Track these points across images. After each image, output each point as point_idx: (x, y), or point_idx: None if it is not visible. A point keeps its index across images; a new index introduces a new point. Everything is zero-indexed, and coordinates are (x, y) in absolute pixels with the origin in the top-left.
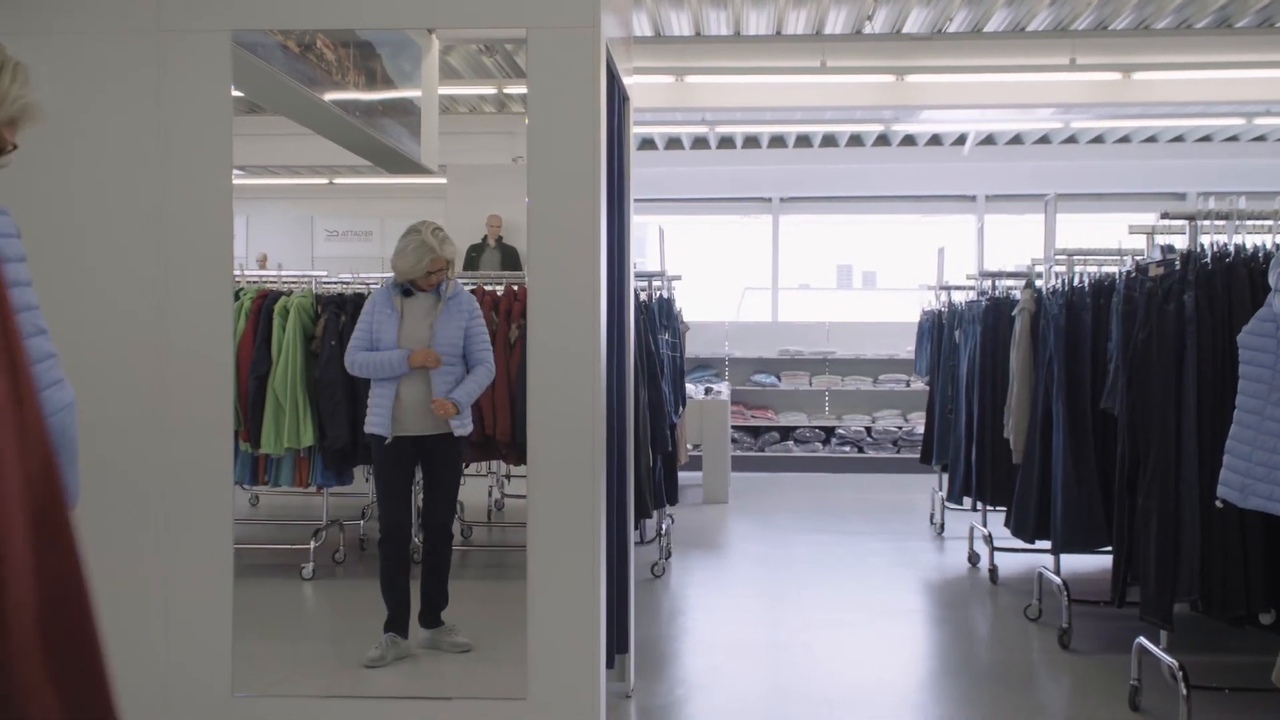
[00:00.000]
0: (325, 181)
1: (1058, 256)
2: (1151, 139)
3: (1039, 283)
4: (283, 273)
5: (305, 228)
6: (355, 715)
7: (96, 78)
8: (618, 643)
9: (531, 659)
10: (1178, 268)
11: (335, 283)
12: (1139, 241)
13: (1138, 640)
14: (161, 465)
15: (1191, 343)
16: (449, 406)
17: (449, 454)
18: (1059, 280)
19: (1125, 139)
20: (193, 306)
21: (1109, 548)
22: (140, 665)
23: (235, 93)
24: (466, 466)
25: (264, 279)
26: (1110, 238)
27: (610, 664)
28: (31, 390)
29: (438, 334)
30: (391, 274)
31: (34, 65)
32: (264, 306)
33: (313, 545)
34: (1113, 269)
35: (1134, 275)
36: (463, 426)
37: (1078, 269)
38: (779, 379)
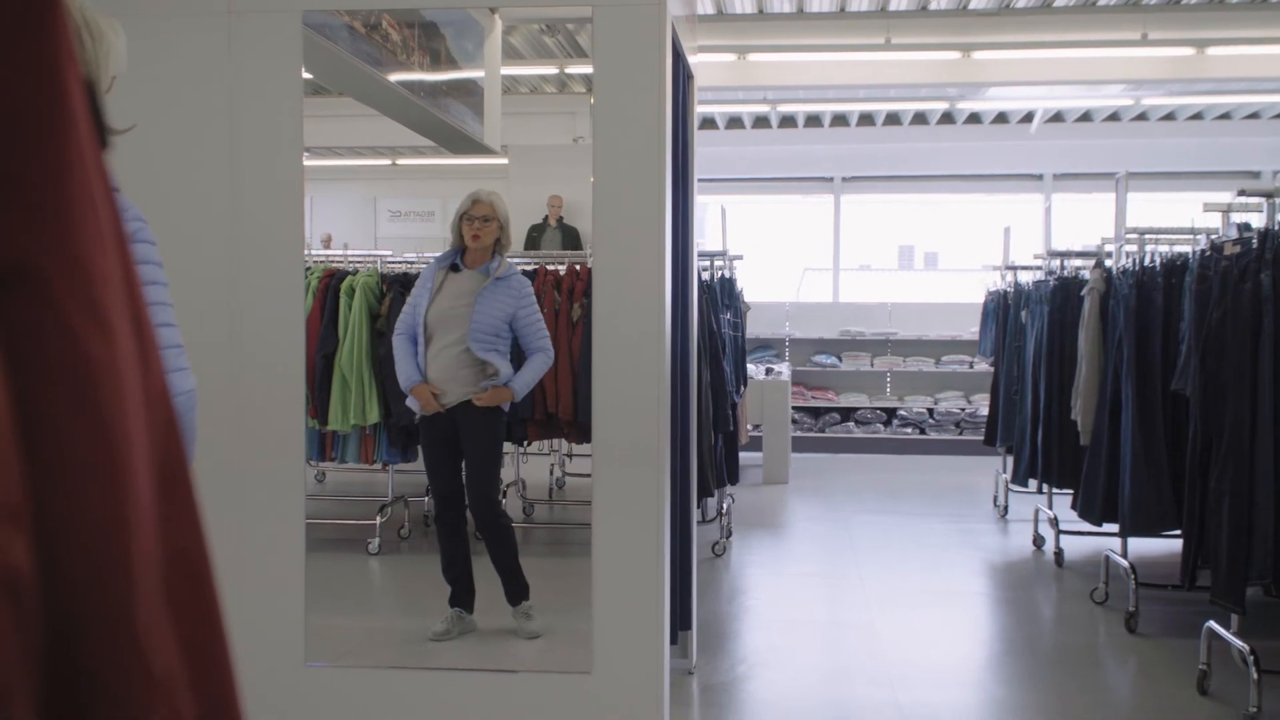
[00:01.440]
0: (388, 162)
1: (1129, 235)
2: (1225, 116)
3: (1108, 262)
4: (349, 252)
5: (369, 208)
6: (422, 686)
7: (169, 59)
8: (680, 620)
9: (596, 635)
10: (1254, 246)
11: (399, 262)
12: (1213, 220)
13: (1207, 624)
14: (235, 441)
15: (1269, 322)
16: (504, 394)
17: (477, 426)
18: (1129, 260)
19: (1198, 116)
20: (265, 286)
21: (1178, 532)
22: None
23: (304, 74)
24: (529, 444)
25: (330, 259)
26: (1181, 217)
27: (673, 641)
28: (156, 352)
29: (477, 311)
30: (447, 249)
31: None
32: (330, 286)
33: (379, 521)
34: (1185, 248)
35: (1209, 254)
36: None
37: (1149, 248)
38: (840, 360)
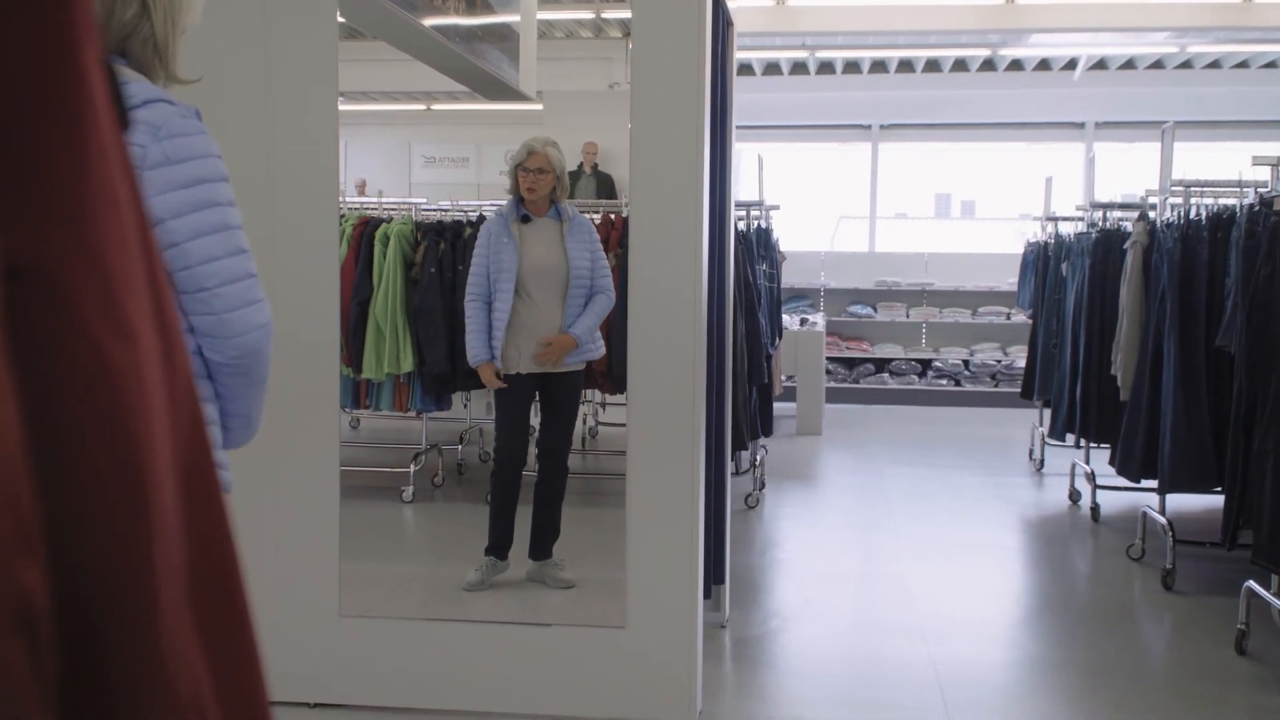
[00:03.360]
0: (423, 108)
1: (1174, 188)
2: (1271, 64)
3: (1152, 215)
4: (383, 200)
5: (403, 154)
6: (457, 638)
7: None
8: (714, 573)
9: (630, 589)
10: None
11: (434, 210)
12: (1262, 173)
13: (1247, 584)
14: (270, 389)
15: None
16: (568, 342)
17: (568, 386)
18: (1174, 213)
19: (1243, 64)
20: (300, 233)
21: (1218, 489)
22: (251, 588)
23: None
24: None
25: (364, 206)
26: (1225, 166)
27: (706, 595)
28: (181, 346)
29: (573, 258)
30: (493, 203)
31: None
32: (365, 233)
33: (412, 469)
34: (1231, 201)
35: (1257, 208)
36: (595, 351)
37: (1194, 201)
38: (875, 310)
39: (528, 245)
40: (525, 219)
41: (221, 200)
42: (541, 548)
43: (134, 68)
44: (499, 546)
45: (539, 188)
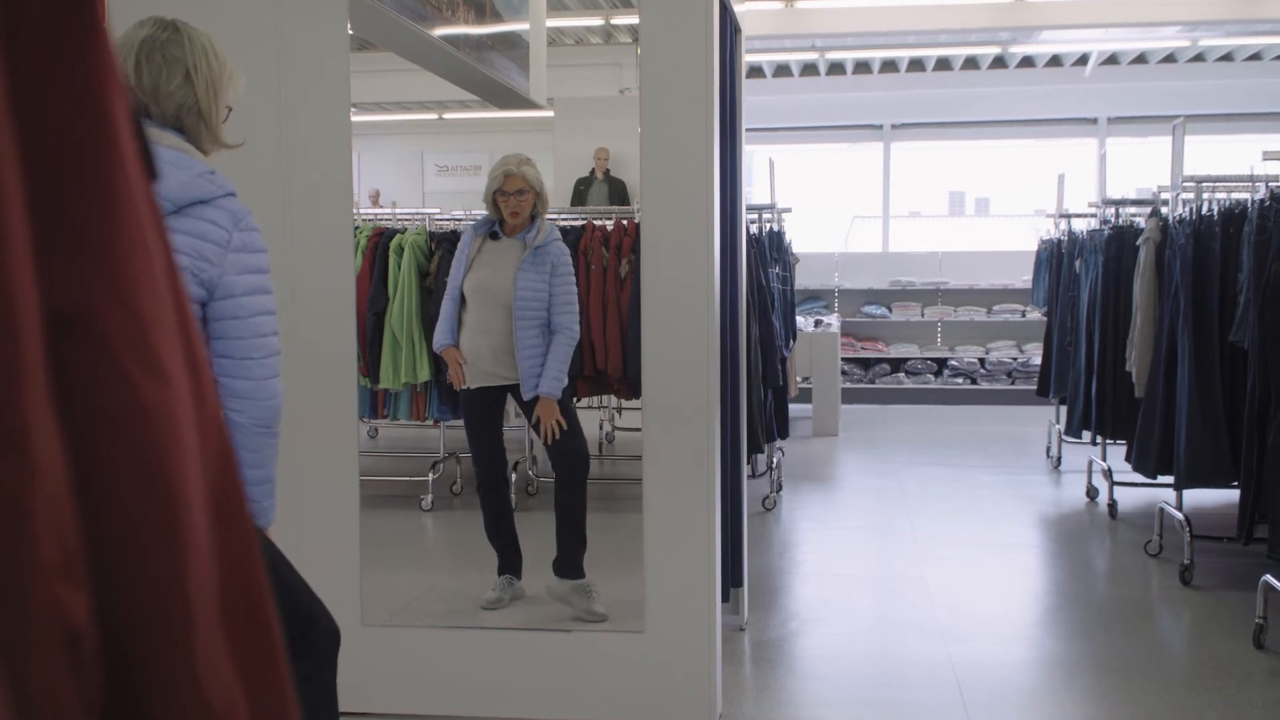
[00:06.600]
0: (435, 117)
1: (1185, 183)
2: None
3: (1165, 211)
4: (397, 211)
5: (416, 163)
6: (478, 645)
7: (216, 18)
8: (732, 576)
9: (648, 593)
10: None
11: (447, 219)
12: (1274, 168)
13: (1264, 578)
14: (288, 401)
15: None
16: (548, 405)
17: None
18: (1186, 209)
19: (1256, 56)
20: (315, 245)
21: (1234, 484)
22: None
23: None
24: (578, 400)
25: (379, 217)
26: (1238, 160)
27: (725, 598)
28: (209, 380)
29: (520, 284)
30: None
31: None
32: (380, 244)
33: (431, 477)
34: (1244, 195)
35: (1269, 203)
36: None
37: (1206, 196)
38: (890, 310)
39: (480, 263)
40: (494, 235)
41: (269, 288)
42: (566, 565)
43: (188, 139)
44: (509, 563)
45: (522, 210)
